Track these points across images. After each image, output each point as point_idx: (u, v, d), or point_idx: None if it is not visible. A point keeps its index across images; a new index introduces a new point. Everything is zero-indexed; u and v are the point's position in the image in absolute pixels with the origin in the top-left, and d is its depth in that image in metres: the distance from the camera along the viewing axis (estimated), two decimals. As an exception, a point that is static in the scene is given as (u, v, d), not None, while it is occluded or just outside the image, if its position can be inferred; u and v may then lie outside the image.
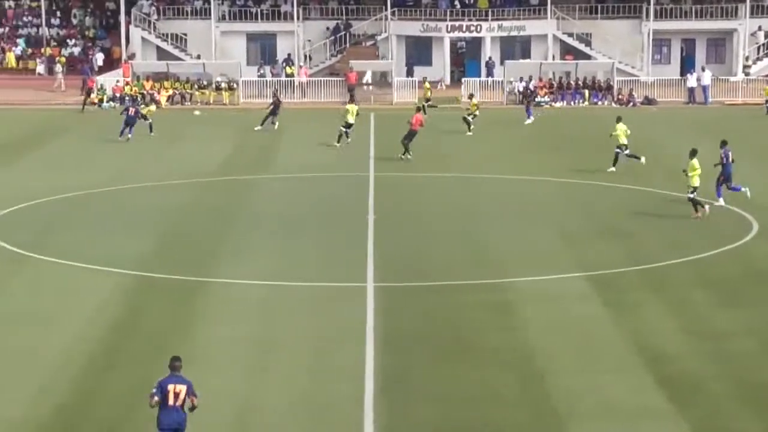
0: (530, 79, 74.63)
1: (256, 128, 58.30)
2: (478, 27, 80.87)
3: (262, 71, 78.15)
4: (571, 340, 25.39)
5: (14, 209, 39.12)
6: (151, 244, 34.42)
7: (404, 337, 25.52)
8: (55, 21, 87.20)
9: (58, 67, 79.56)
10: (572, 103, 74.27)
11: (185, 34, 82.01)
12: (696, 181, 36.99)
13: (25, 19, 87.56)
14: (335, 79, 76.60)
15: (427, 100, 66.05)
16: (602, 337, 25.66)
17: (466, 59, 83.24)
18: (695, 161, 37.29)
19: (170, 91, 74.88)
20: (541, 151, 50.34)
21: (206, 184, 44.92)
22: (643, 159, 46.27)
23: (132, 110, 55.85)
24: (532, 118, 62.50)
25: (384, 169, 47.71)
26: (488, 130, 59.02)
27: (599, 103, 73.96)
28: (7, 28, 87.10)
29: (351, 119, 53.39)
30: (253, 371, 23.54)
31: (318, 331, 26.04)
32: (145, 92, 74.62)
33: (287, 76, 77.99)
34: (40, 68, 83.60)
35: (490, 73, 78.36)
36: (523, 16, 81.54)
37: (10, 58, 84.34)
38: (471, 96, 63.06)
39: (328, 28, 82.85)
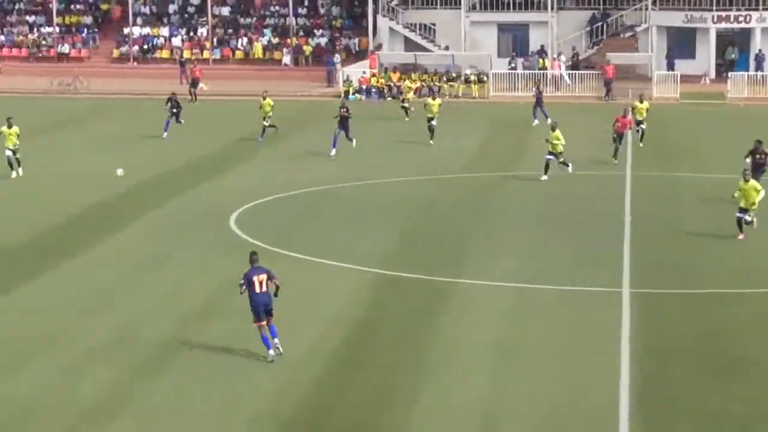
0: (804, 73, 69.70)
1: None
2: (748, 17, 76.50)
3: (513, 64, 75.41)
4: None
5: (258, 203, 39.20)
6: (396, 241, 34.11)
7: (663, 348, 24.50)
8: (302, 10, 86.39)
9: (337, 57, 78.67)
10: None
11: (434, 24, 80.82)
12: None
13: (272, 8, 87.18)
14: (591, 72, 73.41)
15: (403, 100, 62.16)
16: None
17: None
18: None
19: (417, 84, 73.23)
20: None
21: (453, 180, 44.17)
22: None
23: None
24: (537, 121, 58.39)
25: (642, 168, 45.96)
26: (751, 128, 55.56)
27: None
28: (254, 18, 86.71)
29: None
30: (500, 378, 22.92)
31: (569, 338, 25.28)
32: (391, 84, 73.24)
33: (540, 68, 74.98)
34: (286, 59, 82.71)
35: (759, 67, 73.92)
36: (799, 4, 76.31)
37: (257, 49, 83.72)
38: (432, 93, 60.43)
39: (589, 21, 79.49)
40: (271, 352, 23.31)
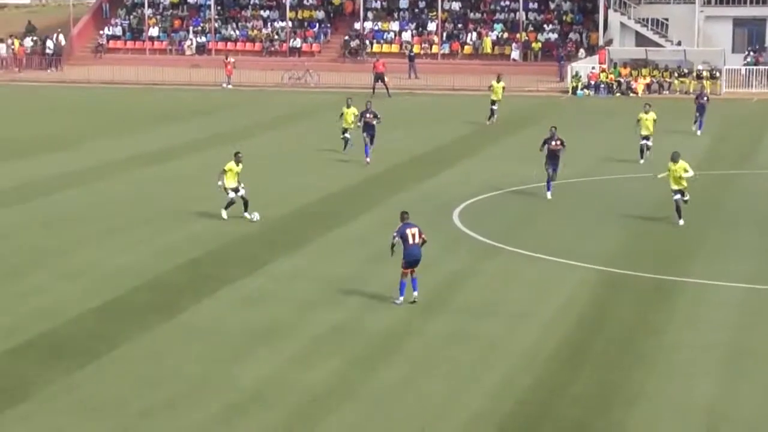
0: None
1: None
2: None
3: (749, 59, 73.32)
4: None
5: (482, 198, 39.22)
6: (623, 239, 33.62)
7: None
8: (533, 5, 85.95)
9: (582, 53, 78.57)
10: None
11: (666, 19, 79.75)
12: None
13: (502, 3, 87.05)
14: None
15: (493, 102, 57.78)
16: None
17: None
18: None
19: (648, 80, 72.12)
20: None
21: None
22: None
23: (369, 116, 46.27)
24: (699, 131, 53.58)
25: None
26: None
27: None
28: (483, 13, 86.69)
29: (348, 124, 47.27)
30: (727, 380, 22.22)
31: None
32: (621, 80, 72.39)
33: (776, 64, 73.28)
34: (515, 54, 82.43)
35: None
36: None
37: (486, 43, 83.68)
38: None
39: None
40: (402, 298, 26.28)
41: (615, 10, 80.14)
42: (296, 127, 57.98)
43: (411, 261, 26.16)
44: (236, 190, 35.13)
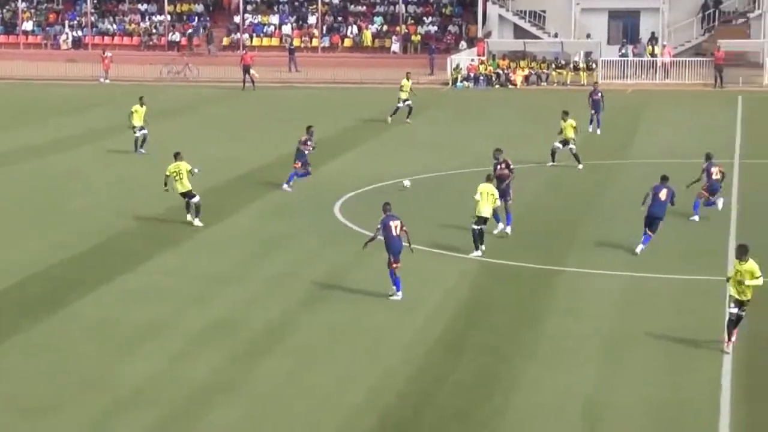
0: None
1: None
2: None
3: (623, 51, 74.55)
4: None
5: (363, 191, 39.13)
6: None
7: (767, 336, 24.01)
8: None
9: (463, 44, 78.65)
10: None
11: (544, 12, 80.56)
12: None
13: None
14: (701, 59, 72.82)
15: (403, 100, 56.48)
16: None
17: None
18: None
19: (526, 71, 72.86)
20: None
21: (561, 169, 43.62)
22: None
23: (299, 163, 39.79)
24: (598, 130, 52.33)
25: (752, 155, 45.13)
26: None
27: None
28: (364, 6, 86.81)
29: None
30: (604, 367, 22.61)
31: (675, 327, 24.88)
32: (500, 71, 73.06)
33: (651, 55, 74.17)
34: (395, 46, 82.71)
35: None
36: None
37: (366, 36, 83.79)
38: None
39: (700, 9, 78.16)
40: (400, 293, 26.25)
41: (493, 3, 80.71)
42: (176, 121, 57.45)
43: (396, 253, 26.09)
44: (191, 195, 34.15)
